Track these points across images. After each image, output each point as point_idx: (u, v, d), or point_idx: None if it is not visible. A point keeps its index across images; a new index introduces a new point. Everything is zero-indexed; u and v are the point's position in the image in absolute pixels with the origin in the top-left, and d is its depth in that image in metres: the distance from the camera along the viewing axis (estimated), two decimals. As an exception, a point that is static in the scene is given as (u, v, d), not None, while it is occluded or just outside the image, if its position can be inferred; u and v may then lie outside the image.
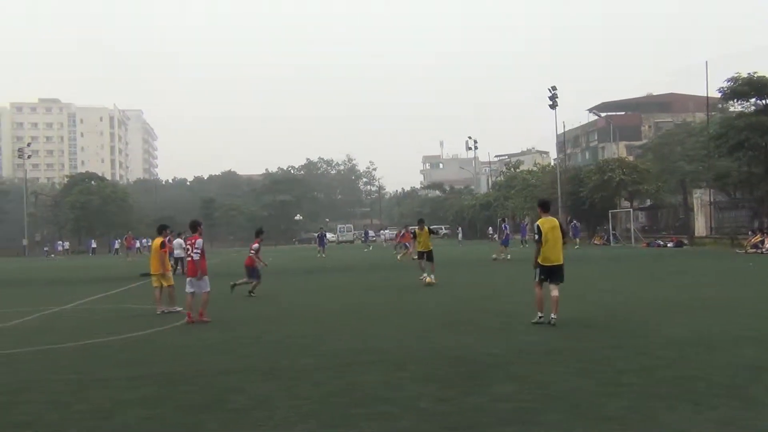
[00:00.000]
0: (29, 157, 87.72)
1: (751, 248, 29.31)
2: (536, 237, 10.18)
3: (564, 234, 10.42)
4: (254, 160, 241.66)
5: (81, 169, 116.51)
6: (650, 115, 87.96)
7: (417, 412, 5.54)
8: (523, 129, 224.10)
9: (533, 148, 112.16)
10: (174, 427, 5.42)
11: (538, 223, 10.28)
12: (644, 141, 77.00)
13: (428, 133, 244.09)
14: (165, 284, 13.41)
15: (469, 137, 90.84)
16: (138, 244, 60.07)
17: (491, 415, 5.36)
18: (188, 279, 11.98)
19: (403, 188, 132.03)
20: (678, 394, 5.80)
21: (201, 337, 10.01)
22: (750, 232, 33.15)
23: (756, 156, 34.94)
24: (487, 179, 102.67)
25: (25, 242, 75.25)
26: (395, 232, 55.47)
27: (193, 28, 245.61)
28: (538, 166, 71.56)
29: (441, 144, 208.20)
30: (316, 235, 51.24)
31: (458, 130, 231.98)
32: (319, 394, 6.21)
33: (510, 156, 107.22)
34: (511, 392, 6.03)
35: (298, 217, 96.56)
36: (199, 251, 11.85)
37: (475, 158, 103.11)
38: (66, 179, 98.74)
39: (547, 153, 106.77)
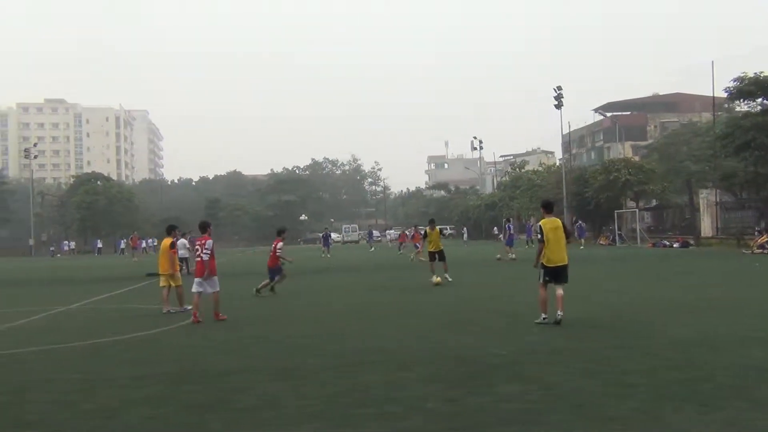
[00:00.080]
0: (35, 157, 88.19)
1: (757, 249, 29.19)
2: (539, 237, 10.25)
3: (568, 234, 10.44)
4: (259, 161, 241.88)
5: (87, 170, 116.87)
6: (656, 115, 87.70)
7: (422, 412, 5.54)
8: (528, 129, 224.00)
9: (538, 148, 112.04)
10: (179, 426, 5.43)
11: (540, 223, 10.34)
12: (650, 141, 76.80)
13: (433, 134, 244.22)
14: (173, 284, 13.43)
15: (474, 137, 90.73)
16: (144, 244, 60.24)
17: (496, 416, 5.35)
18: (197, 279, 12.00)
19: (408, 188, 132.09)
20: (684, 394, 5.78)
21: (206, 337, 10.04)
22: (756, 233, 33.00)
23: (762, 156, 34.76)
24: (492, 179, 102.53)
25: (31, 242, 75.58)
26: (399, 233, 55.44)
27: (198, 29, 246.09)
28: (543, 166, 71.48)
29: (446, 144, 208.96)
30: (320, 235, 51.23)
31: (463, 131, 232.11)
32: (324, 394, 6.22)
33: (515, 156, 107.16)
34: (516, 392, 6.03)
35: (303, 217, 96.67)
36: (209, 252, 11.90)
37: (480, 158, 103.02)
38: (72, 179, 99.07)
39: (552, 153, 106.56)
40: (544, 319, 9.89)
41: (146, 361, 8.32)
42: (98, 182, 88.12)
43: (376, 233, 67.98)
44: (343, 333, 10.00)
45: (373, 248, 49.51)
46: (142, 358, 8.56)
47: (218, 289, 12.04)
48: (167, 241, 13.71)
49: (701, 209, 46.13)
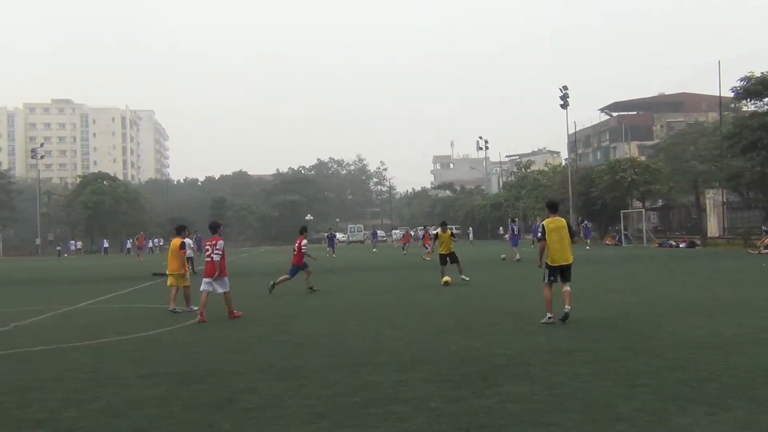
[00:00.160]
0: (42, 157, 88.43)
1: (764, 249, 29.08)
2: (540, 236, 10.34)
3: (573, 234, 10.45)
4: (265, 161, 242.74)
5: (93, 169, 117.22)
6: (662, 114, 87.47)
7: (429, 412, 5.54)
8: (534, 129, 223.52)
9: (544, 148, 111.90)
10: (185, 425, 5.45)
11: (543, 222, 10.38)
12: (656, 141, 76.65)
13: (438, 134, 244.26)
14: (181, 285, 13.45)
15: (480, 137, 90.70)
16: (150, 244, 60.33)
17: (503, 416, 5.35)
18: (206, 279, 12.01)
19: (413, 188, 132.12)
20: (691, 395, 5.76)
21: (212, 337, 10.06)
22: (764, 233, 32.84)
23: (769, 156, 34.68)
24: (498, 179, 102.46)
25: (38, 242, 75.93)
26: (402, 233, 55.44)
27: (204, 29, 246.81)
28: (549, 166, 71.40)
29: (451, 144, 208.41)
30: (325, 235, 51.28)
31: (469, 131, 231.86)
32: (331, 394, 6.22)
33: (521, 156, 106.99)
34: (523, 393, 6.02)
35: (308, 217, 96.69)
36: (220, 252, 11.93)
37: (486, 158, 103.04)
38: (78, 179, 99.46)
39: (558, 153, 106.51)
40: (549, 318, 9.91)
41: (152, 360, 8.34)
42: (104, 182, 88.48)
43: (381, 233, 67.92)
44: (348, 333, 10.01)
45: (375, 249, 49.34)
46: (148, 357, 8.58)
47: (228, 289, 12.07)
48: (177, 241, 13.65)
49: (708, 209, 45.95)
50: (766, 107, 35.92)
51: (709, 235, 42.65)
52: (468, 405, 5.70)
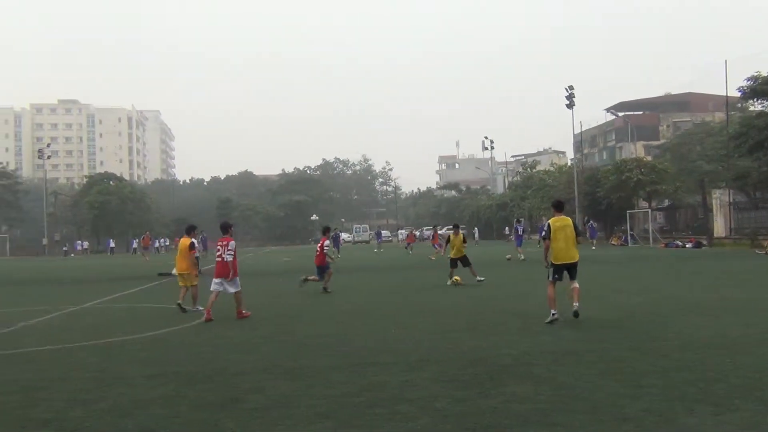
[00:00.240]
0: (49, 157, 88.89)
1: (771, 249, 28.95)
2: (543, 234, 10.39)
3: (578, 234, 10.48)
4: (271, 161, 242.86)
5: (100, 170, 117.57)
6: (668, 114, 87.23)
7: (435, 412, 5.54)
8: (540, 129, 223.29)
9: (550, 148, 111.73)
10: (191, 425, 5.46)
11: (549, 221, 10.41)
12: (662, 141, 76.45)
13: (444, 134, 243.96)
14: (189, 284, 13.47)
15: (486, 137, 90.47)
16: (156, 244, 60.44)
17: (508, 416, 5.34)
18: (217, 279, 12.02)
19: (419, 188, 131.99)
20: (697, 396, 5.74)
21: (218, 336, 10.08)
22: (771, 233, 32.75)
23: (776, 156, 34.54)
24: (504, 179, 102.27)
25: (44, 242, 76.23)
26: (407, 233, 55.44)
27: (210, 29, 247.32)
28: (554, 166, 71.29)
29: (457, 144, 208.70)
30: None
31: (474, 131, 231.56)
32: (336, 394, 6.23)
33: (526, 156, 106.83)
34: (529, 393, 6.01)
35: (314, 217, 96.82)
36: (232, 252, 11.96)
37: (492, 158, 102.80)
38: (85, 179, 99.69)
39: (563, 153, 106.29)
40: (553, 314, 9.94)
41: (158, 360, 8.36)
42: (111, 182, 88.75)
43: (386, 233, 67.83)
44: (354, 333, 10.02)
45: (377, 249, 49.24)
46: (154, 357, 8.60)
47: (239, 288, 12.10)
48: (186, 242, 13.61)
49: (714, 209, 45.77)
50: (772, 107, 35.81)
51: (715, 235, 42.48)
52: (474, 405, 5.70)
